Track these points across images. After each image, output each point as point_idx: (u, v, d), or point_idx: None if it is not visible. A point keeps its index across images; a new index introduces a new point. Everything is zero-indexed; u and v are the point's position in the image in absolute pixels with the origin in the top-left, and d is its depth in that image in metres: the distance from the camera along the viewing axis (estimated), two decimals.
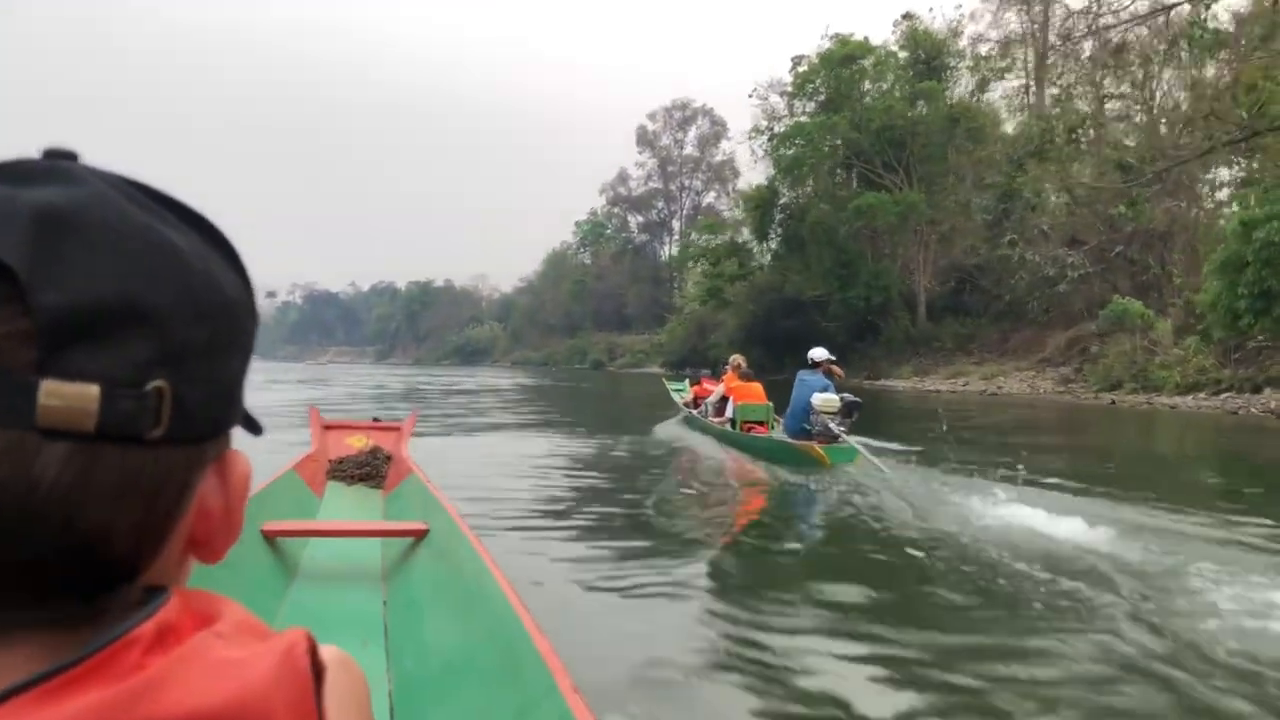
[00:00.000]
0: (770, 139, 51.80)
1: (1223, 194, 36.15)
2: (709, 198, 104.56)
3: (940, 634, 4.50)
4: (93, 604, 0.53)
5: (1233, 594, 5.05)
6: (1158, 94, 34.64)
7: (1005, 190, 35.77)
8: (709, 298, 57.32)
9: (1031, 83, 48.80)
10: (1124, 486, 9.40)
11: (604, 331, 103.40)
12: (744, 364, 13.48)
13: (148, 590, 0.56)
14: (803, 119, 50.58)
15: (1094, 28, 33.68)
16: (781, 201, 52.67)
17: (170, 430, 0.53)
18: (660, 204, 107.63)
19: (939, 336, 46.85)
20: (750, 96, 53.40)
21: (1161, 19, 32.23)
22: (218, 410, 0.59)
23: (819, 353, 11.67)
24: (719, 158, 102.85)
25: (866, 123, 47.57)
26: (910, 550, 6.38)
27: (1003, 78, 49.10)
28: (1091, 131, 34.85)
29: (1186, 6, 28.45)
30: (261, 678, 0.49)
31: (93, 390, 0.48)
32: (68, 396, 0.48)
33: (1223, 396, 26.25)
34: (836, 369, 12.03)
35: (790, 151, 49.05)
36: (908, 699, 3.68)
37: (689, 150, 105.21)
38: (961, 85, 50.73)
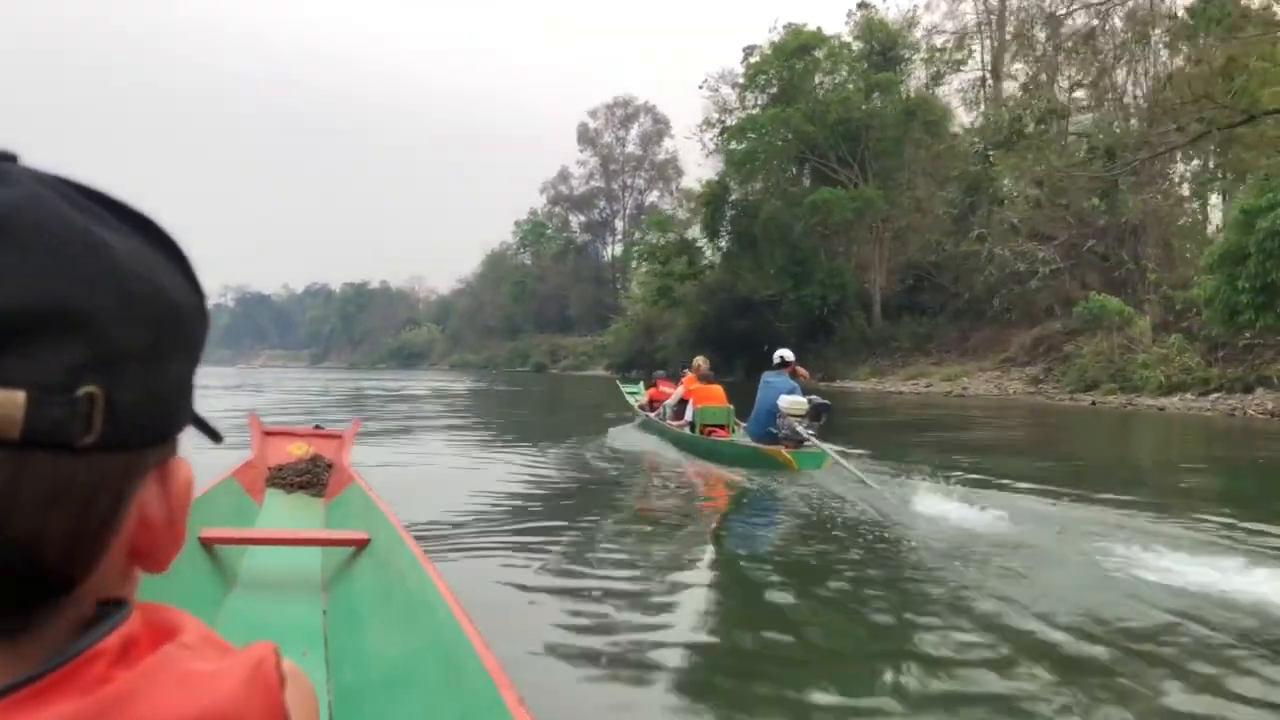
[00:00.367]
0: (721, 132, 49.85)
1: (1183, 189, 35.10)
2: (652, 196, 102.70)
3: (924, 649, 4.18)
4: (30, 616, 0.52)
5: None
6: (1129, 82, 33.22)
7: (971, 183, 34.11)
8: (658, 298, 55.21)
9: (989, 75, 47.35)
10: (1135, 494, 8.94)
11: (546, 333, 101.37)
12: (705, 366, 13.08)
13: (103, 604, 0.55)
14: (754, 112, 48.67)
15: (1062, 11, 32.22)
16: (732, 198, 50.69)
17: (103, 437, 0.51)
18: (602, 203, 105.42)
19: (896, 336, 45.36)
20: (700, 88, 51.40)
21: (1133, 2, 30.91)
22: (157, 417, 0.58)
23: (785, 353, 11.27)
24: (662, 156, 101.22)
25: (822, 115, 45.85)
26: (885, 557, 6.15)
27: (959, 70, 47.60)
28: (1061, 121, 33.29)
29: None
30: (232, 691, 0.50)
31: (18, 397, 0.47)
32: None
33: (1212, 397, 24.86)
34: (801, 371, 11.66)
35: (742, 145, 47.09)
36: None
37: (631, 148, 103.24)
38: (916, 78, 49.30)
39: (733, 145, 48.44)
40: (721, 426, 12.18)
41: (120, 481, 0.54)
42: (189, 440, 0.62)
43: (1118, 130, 31.82)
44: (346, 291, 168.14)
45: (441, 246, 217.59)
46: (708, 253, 55.17)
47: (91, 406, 0.49)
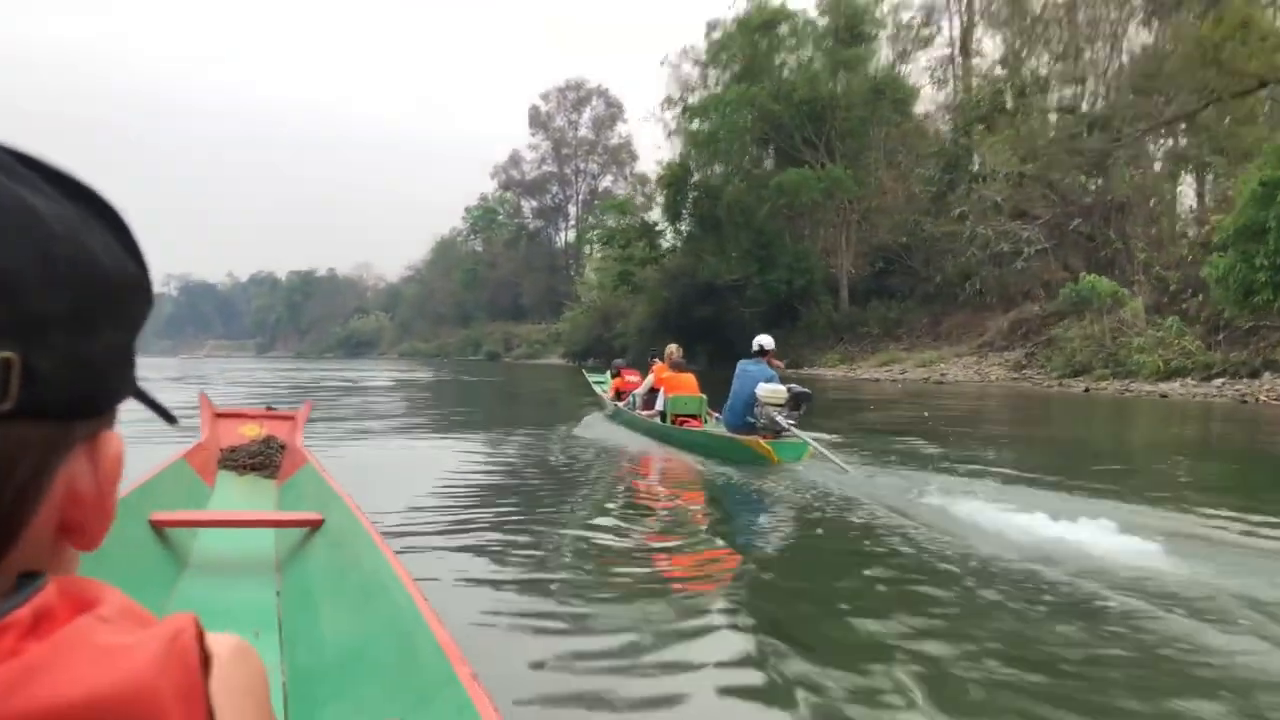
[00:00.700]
0: (684, 110, 47.81)
1: (1157, 169, 33.71)
2: (605, 181, 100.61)
3: (924, 648, 3.86)
4: None
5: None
6: (1113, 54, 31.64)
7: (950, 161, 32.48)
8: (619, 283, 53.09)
9: (957, 52, 45.75)
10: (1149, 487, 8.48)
11: (499, 321, 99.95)
12: (677, 353, 12.42)
13: (23, 577, 0.54)
14: (717, 90, 46.69)
15: None
16: (694, 180, 48.64)
17: (21, 404, 0.50)
18: (555, 188, 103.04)
19: (864, 321, 43.82)
20: (661, 64, 49.35)
21: None
22: (84, 387, 0.56)
23: (765, 341, 10.56)
24: (615, 140, 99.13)
25: (788, 94, 44.03)
26: (873, 553, 5.74)
27: (926, 47, 45.99)
28: (1042, 96, 31.72)
29: None
30: (147, 664, 0.49)
31: None
32: None
33: (1216, 382, 23.43)
34: (776, 361, 10.94)
35: (706, 125, 45.06)
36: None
37: (584, 132, 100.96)
38: (883, 56, 47.48)
39: (695, 125, 46.45)
40: (694, 416, 11.62)
41: (43, 453, 0.52)
42: (142, 422, 0.62)
43: (1102, 104, 30.28)
44: (293, 279, 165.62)
45: (390, 233, 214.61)
46: (669, 237, 53.23)
47: (7, 371, 0.48)
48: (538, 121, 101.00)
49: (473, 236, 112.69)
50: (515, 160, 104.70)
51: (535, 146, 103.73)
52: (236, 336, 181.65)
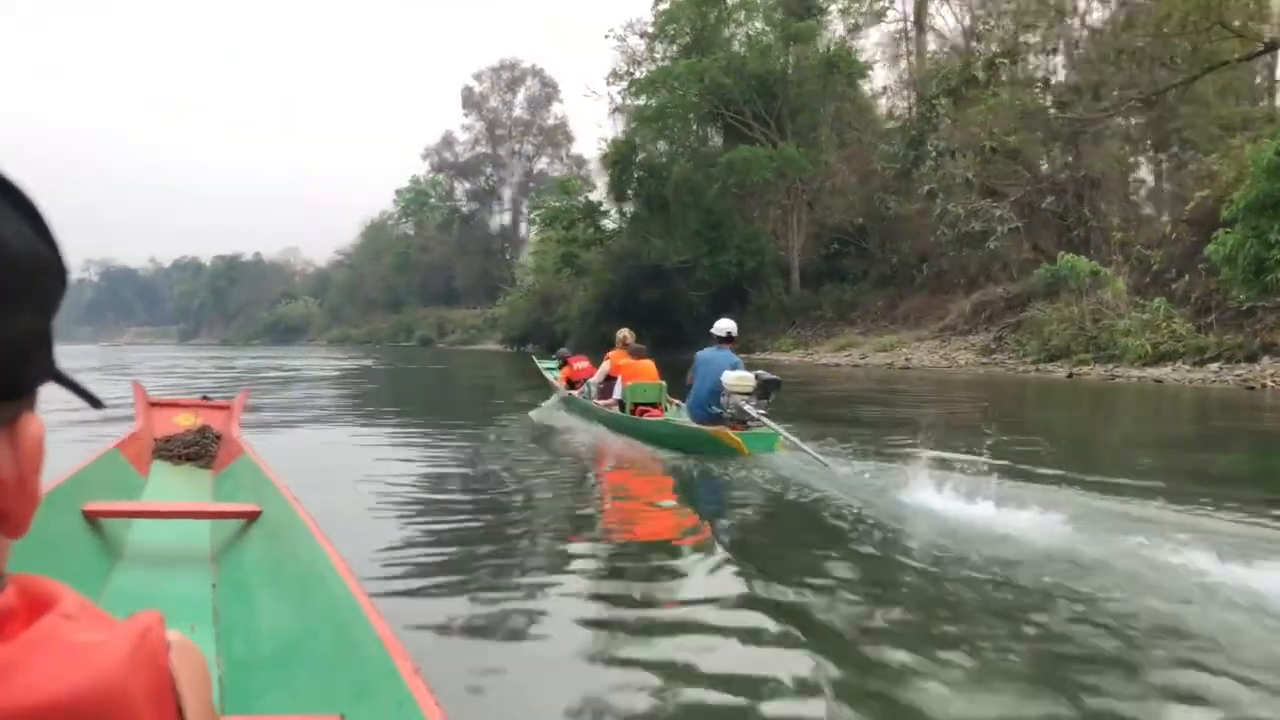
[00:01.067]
0: (630, 85, 45.50)
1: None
2: (541, 163, 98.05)
3: (908, 656, 3.65)
4: None
5: None
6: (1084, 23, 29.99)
7: (914, 137, 30.67)
8: (562, 265, 50.60)
9: (911, 26, 44.02)
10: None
11: (431, 306, 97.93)
12: (632, 338, 12.01)
13: None
14: (665, 64, 44.41)
15: None
16: (639, 158, 46.34)
17: None
18: (489, 170, 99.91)
19: (818, 305, 42.01)
20: (606, 37, 46.81)
21: None
22: (1, 369, 0.55)
23: (726, 324, 10.11)
24: (551, 121, 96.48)
25: (740, 67, 41.93)
26: (855, 550, 5.43)
27: (879, 21, 44.10)
28: (1013, 67, 30.03)
29: None
30: (118, 662, 0.49)
31: None
32: None
33: (1213, 367, 21.91)
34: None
35: (654, 101, 42.77)
36: None
37: (519, 112, 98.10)
38: (834, 30, 45.38)
39: (643, 100, 44.18)
40: (654, 405, 11.08)
41: None
42: (71, 410, 0.56)
43: (1073, 76, 28.68)
44: (218, 265, 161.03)
45: (318, 217, 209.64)
46: (613, 218, 50.94)
47: None
48: (471, 102, 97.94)
49: (404, 220, 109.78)
50: (448, 141, 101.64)
51: (468, 127, 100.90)
52: (160, 323, 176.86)
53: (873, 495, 6.84)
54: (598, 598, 4.51)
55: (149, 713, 0.48)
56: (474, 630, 3.92)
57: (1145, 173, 29.15)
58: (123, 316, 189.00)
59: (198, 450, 5.64)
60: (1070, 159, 28.37)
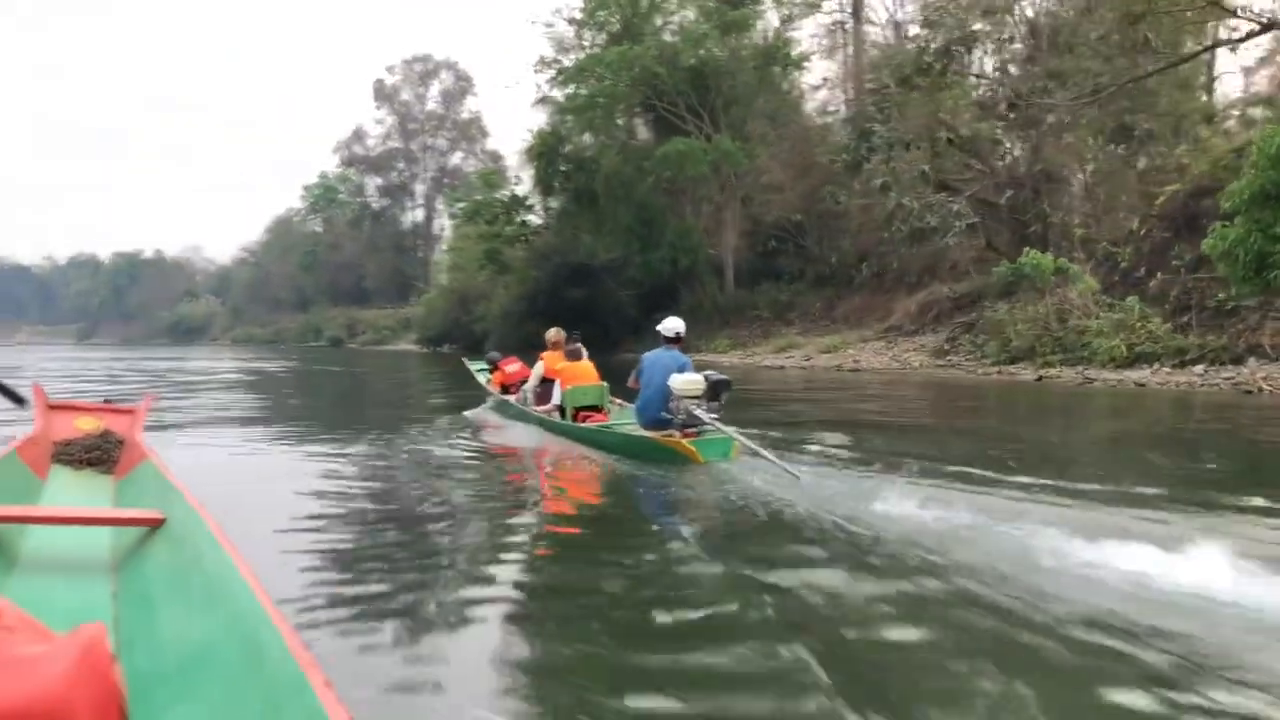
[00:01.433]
0: (558, 74, 43.05)
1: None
2: (455, 158, 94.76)
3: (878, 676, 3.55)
4: None
5: None
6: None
7: (863, 129, 28.96)
8: (486, 262, 47.85)
9: (849, 17, 42.33)
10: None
11: (341, 306, 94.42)
12: (558, 335, 11.63)
13: None
14: (594, 51, 42.06)
15: None
16: (566, 150, 43.88)
17: None
18: (401, 165, 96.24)
19: (753, 304, 40.14)
20: (532, 23, 44.32)
21: None
22: None
23: (674, 323, 9.55)
24: (465, 115, 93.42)
25: (673, 57, 39.85)
26: (832, 573, 4.89)
27: (814, 11, 42.30)
28: (968, 55, 28.47)
29: None
30: (62, 676, 0.48)
31: None
32: None
33: (1197, 369, 20.46)
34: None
35: (584, 90, 40.40)
36: None
37: (432, 106, 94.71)
38: (769, 21, 43.41)
39: (571, 89, 41.76)
40: (596, 408, 10.63)
41: None
42: None
43: (1032, 66, 27.22)
44: (117, 262, 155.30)
45: (222, 213, 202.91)
46: (538, 213, 48.47)
47: None
48: (383, 95, 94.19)
49: (311, 216, 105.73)
50: (359, 136, 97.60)
51: (380, 121, 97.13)
52: (55, 322, 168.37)
53: (842, 505, 6.25)
54: (522, 614, 4.32)
55: None
56: (388, 643, 3.81)
57: (1106, 166, 27.73)
58: (15, 315, 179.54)
59: (99, 455, 5.35)
60: (1027, 152, 26.86)
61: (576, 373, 10.69)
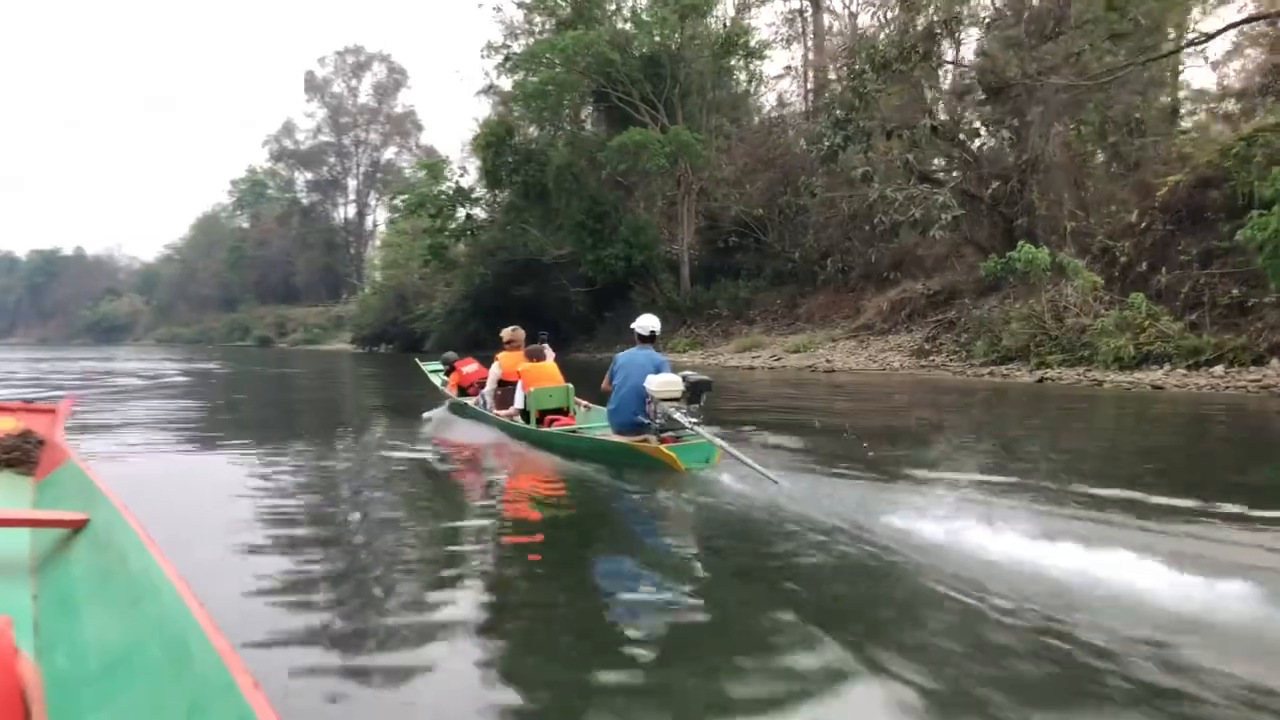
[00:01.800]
0: (505, 60, 40.47)
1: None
2: (388, 153, 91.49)
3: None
4: None
5: None
6: None
7: (841, 118, 26.98)
8: (430, 257, 45.08)
9: (808, 5, 40.41)
10: None
11: (269, 304, 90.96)
12: (522, 337, 10.95)
13: None
14: (543, 37, 39.60)
15: None
16: (515, 141, 41.22)
17: None
18: (332, 159, 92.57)
19: (712, 303, 38.01)
20: (480, 5, 41.71)
21: None
22: None
23: (649, 321, 8.82)
24: (399, 109, 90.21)
25: (625, 44, 37.61)
26: (828, 591, 4.53)
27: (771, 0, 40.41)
28: (954, 38, 26.70)
29: None
30: None
31: None
32: None
33: (1216, 370, 18.85)
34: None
35: (534, 77, 37.91)
36: None
37: (364, 99, 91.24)
38: (725, 9, 41.30)
39: (521, 76, 39.23)
40: (562, 412, 10.04)
41: None
42: None
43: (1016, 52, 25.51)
44: (34, 259, 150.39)
45: (145, 209, 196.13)
46: (483, 206, 45.88)
47: None
48: (313, 87, 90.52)
49: (239, 212, 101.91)
50: (289, 129, 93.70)
51: (311, 114, 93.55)
52: None
53: (837, 517, 5.73)
54: (479, 630, 3.92)
55: None
56: (320, 644, 3.69)
57: (1095, 157, 26.15)
58: None
59: (18, 456, 4.98)
60: (1013, 141, 25.13)
61: (540, 374, 10.07)
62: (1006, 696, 3.17)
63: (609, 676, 3.42)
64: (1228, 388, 17.91)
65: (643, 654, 3.63)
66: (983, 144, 26.66)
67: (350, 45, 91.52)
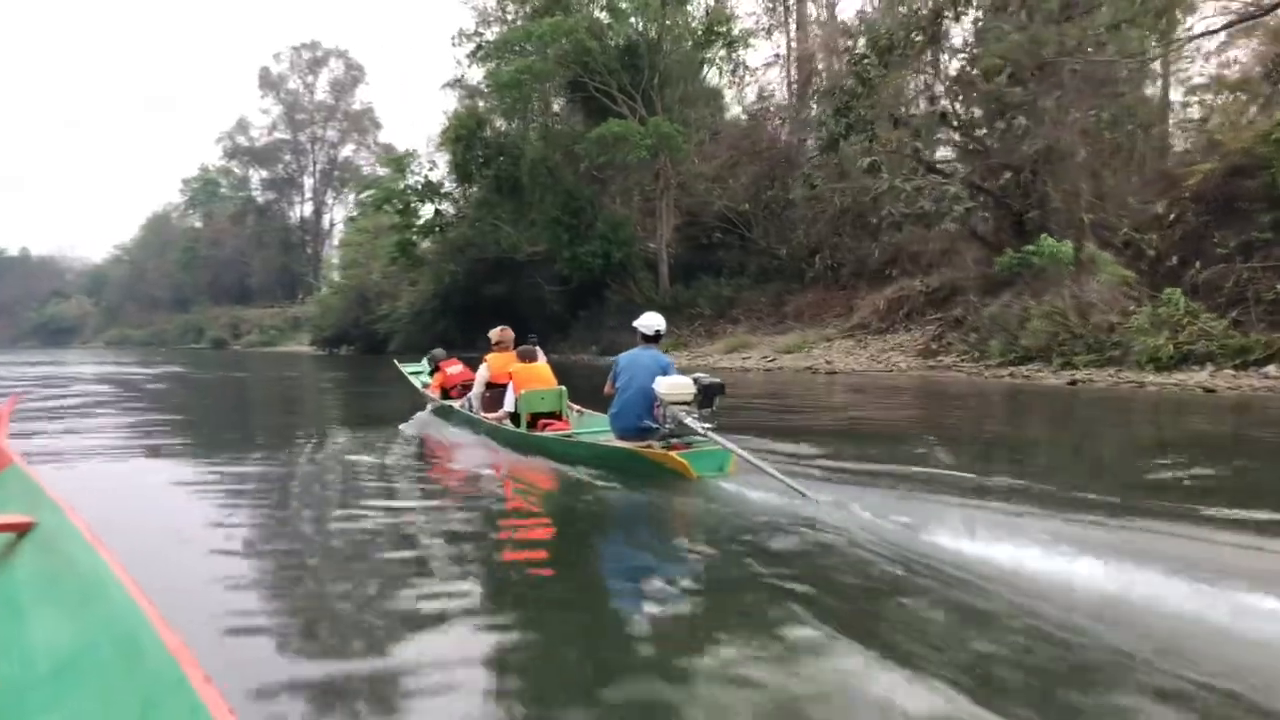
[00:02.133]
0: (477, 49, 38.22)
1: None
2: (346, 151, 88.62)
3: None
4: None
5: None
6: None
7: (843, 105, 25.21)
8: (399, 254, 42.73)
9: None
10: None
11: (224, 305, 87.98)
12: (511, 337, 10.25)
13: None
14: (516, 25, 37.44)
15: None
16: (486, 134, 39.07)
17: None
18: (288, 157, 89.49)
19: (693, 302, 36.14)
20: None
21: None
22: None
23: (653, 320, 8.19)
24: (356, 106, 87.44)
25: (602, 31, 35.65)
26: (872, 620, 3.89)
27: None
28: (957, 22, 25.00)
29: None
30: None
31: None
32: None
33: (1271, 370, 17.32)
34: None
35: (509, 66, 35.74)
36: None
37: (321, 96, 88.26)
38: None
39: (494, 64, 37.07)
40: (555, 415, 9.29)
41: None
42: None
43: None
44: None
45: (94, 209, 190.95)
46: (451, 201, 43.73)
47: None
48: (269, 83, 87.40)
49: (191, 211, 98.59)
50: (243, 126, 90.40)
51: (266, 111, 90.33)
52: None
53: (874, 534, 4.99)
54: (467, 658, 3.48)
55: None
56: (274, 642, 3.59)
57: (1113, 145, 24.59)
58: None
59: None
60: (1025, 129, 23.48)
61: (533, 375, 9.45)
62: None
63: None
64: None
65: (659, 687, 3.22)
66: (991, 132, 24.97)
67: (307, 41, 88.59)
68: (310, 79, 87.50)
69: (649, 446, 7.34)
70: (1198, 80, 26.90)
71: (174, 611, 2.17)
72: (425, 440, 10.19)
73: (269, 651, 3.45)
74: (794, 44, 37.81)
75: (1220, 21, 21.95)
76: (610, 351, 36.53)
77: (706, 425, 7.16)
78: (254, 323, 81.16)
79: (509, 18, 38.82)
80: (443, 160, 42.15)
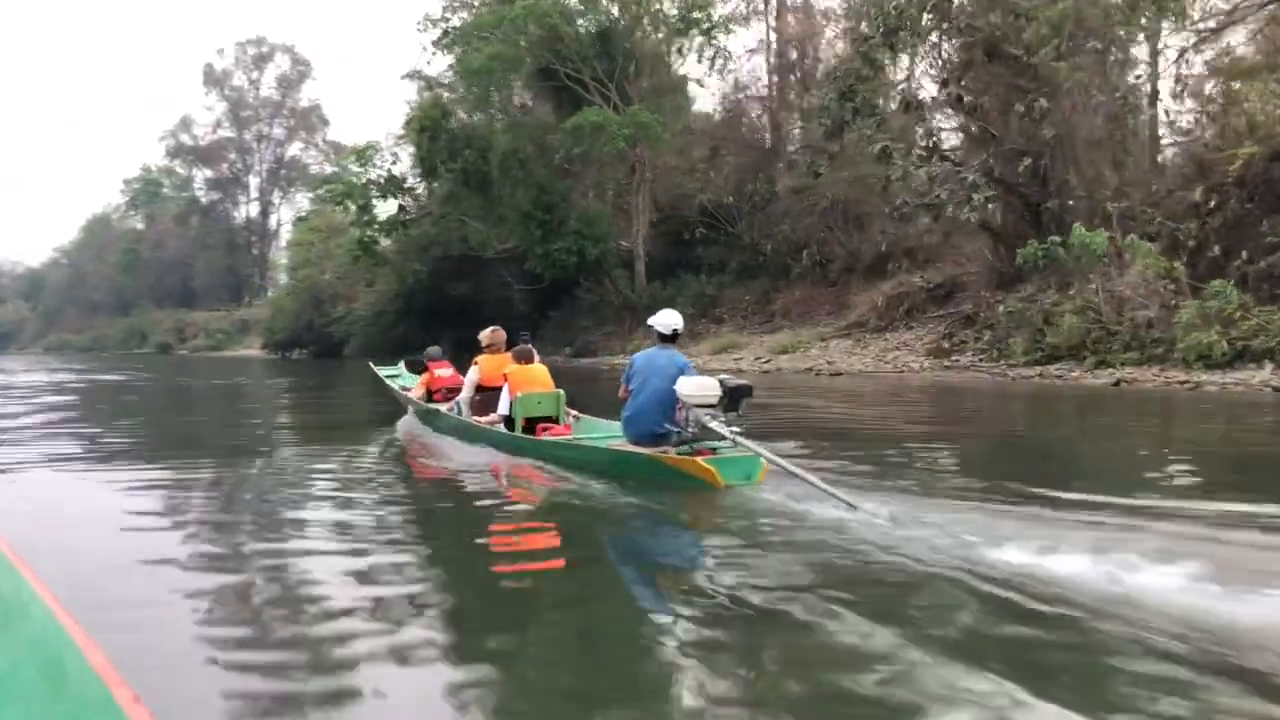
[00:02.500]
0: (444, 35, 35.86)
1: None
2: (293, 149, 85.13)
3: None
4: None
5: None
6: None
7: (847, 90, 23.36)
8: (361, 253, 40.16)
9: None
10: None
11: (167, 309, 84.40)
12: (503, 339, 9.46)
13: None
14: (487, 9, 35.08)
15: None
16: (453, 125, 36.66)
17: None
18: (233, 156, 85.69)
19: (672, 300, 34.15)
20: None
21: None
22: None
23: (671, 318, 7.51)
24: (304, 103, 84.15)
25: (576, 18, 33.58)
26: (931, 645, 3.17)
27: None
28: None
29: None
30: None
31: None
32: None
33: None
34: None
35: (479, 53, 33.37)
36: None
37: (267, 93, 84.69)
38: None
39: (461, 51, 34.76)
40: (552, 420, 8.58)
41: None
42: None
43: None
44: None
45: (29, 211, 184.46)
46: (422, 196, 41.26)
47: None
48: (213, 80, 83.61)
49: (132, 212, 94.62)
50: (186, 124, 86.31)
51: (210, 108, 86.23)
52: None
53: (934, 550, 4.30)
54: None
55: None
56: (208, 659, 3.24)
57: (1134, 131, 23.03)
58: None
59: None
60: (1042, 109, 21.75)
61: (529, 377, 8.81)
62: None
63: None
64: None
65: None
66: (1005, 118, 23.23)
67: (252, 36, 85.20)
68: (256, 75, 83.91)
69: (665, 452, 6.68)
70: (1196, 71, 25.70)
71: (100, 631, 2.00)
72: (411, 445, 9.60)
73: (202, 669, 3.12)
74: (774, 32, 35.98)
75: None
76: (584, 354, 34.58)
77: (734, 429, 6.46)
78: (200, 326, 77.78)
79: (475, 3, 36.48)
80: (405, 154, 39.71)
